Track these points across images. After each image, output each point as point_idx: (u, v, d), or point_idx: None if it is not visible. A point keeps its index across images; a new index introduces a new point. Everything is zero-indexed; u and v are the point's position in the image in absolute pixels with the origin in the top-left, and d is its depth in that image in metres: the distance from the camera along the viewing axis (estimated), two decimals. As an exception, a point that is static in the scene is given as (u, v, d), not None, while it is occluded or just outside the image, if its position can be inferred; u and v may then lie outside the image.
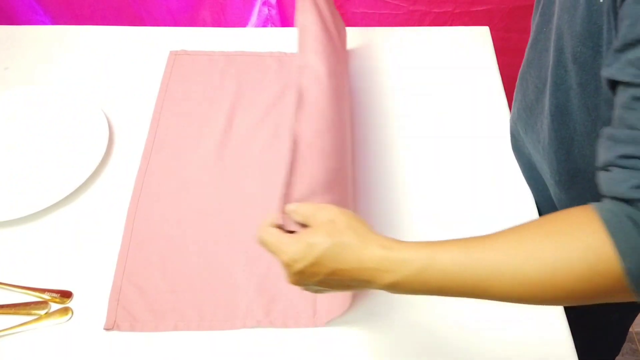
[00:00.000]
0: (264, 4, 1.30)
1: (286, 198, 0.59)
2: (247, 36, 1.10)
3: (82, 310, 0.74)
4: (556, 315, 0.73)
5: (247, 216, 0.82)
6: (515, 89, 0.84)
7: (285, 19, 1.32)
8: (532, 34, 0.76)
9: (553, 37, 0.68)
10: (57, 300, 0.75)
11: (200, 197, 0.85)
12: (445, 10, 1.24)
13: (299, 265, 0.54)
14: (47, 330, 0.72)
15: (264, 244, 0.57)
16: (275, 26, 1.33)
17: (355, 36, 1.08)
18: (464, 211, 0.83)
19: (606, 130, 0.51)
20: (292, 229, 0.57)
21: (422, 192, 0.86)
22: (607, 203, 0.48)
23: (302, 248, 0.54)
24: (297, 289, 0.58)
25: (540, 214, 0.83)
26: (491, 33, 1.09)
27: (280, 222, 0.57)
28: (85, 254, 0.79)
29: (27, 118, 0.96)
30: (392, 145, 0.92)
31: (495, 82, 1.00)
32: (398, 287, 0.53)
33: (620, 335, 0.98)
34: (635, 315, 0.96)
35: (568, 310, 0.75)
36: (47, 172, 0.88)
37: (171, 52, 1.05)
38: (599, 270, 0.46)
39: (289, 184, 0.60)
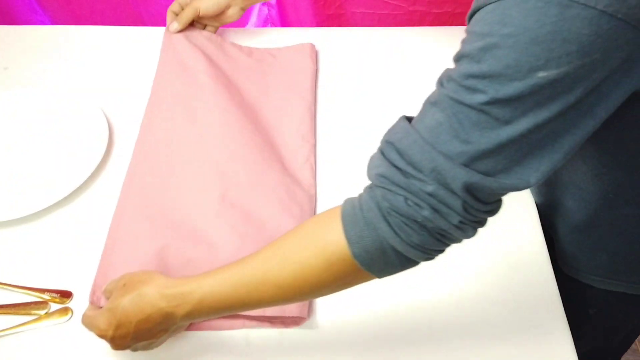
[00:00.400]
0: (263, 4, 1.30)
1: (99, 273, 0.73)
2: (246, 36, 1.10)
3: (82, 310, 0.73)
4: (556, 316, 0.73)
5: (243, 206, 0.81)
6: None
7: (285, 19, 1.32)
8: None
9: None
10: (57, 300, 0.75)
11: (191, 187, 0.84)
12: (445, 10, 1.24)
13: (110, 333, 0.62)
14: (47, 331, 0.72)
15: (83, 325, 0.66)
16: (275, 26, 1.33)
17: (355, 36, 1.08)
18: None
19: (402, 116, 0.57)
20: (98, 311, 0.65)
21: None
22: (355, 196, 0.55)
23: (105, 316, 0.62)
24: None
25: (541, 214, 0.83)
26: (491, 33, 1.08)
27: (96, 303, 0.70)
28: (85, 254, 0.79)
29: (27, 118, 0.96)
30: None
31: (495, 82, 1.00)
32: (193, 315, 0.61)
33: (630, 335, 0.98)
34: None
35: (583, 309, 0.76)
36: (46, 172, 0.88)
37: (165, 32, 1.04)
38: (334, 260, 0.54)
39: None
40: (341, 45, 1.08)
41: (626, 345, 1.01)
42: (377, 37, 1.09)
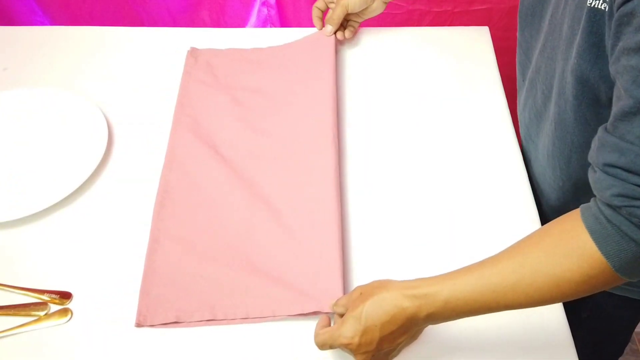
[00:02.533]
0: (263, 4, 1.30)
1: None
2: (246, 36, 1.10)
3: (82, 311, 0.74)
4: (556, 317, 0.72)
5: (275, 206, 0.82)
6: (525, 93, 0.84)
7: (284, 19, 1.33)
8: (541, 40, 0.76)
9: (561, 47, 0.68)
10: (57, 301, 0.74)
11: (230, 189, 0.84)
12: (444, 9, 1.24)
13: (356, 340, 0.61)
14: (46, 332, 0.72)
15: (323, 344, 0.65)
16: (275, 26, 1.33)
17: (355, 36, 1.08)
18: (462, 212, 0.83)
19: (601, 129, 0.56)
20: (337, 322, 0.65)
21: (420, 190, 0.86)
22: (592, 208, 0.56)
23: (350, 324, 0.62)
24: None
25: (541, 213, 0.83)
26: (491, 33, 1.08)
27: (325, 322, 0.68)
28: (84, 255, 0.79)
29: (26, 119, 0.96)
30: (391, 146, 0.92)
31: (495, 81, 1.00)
32: (435, 317, 0.61)
33: (626, 337, 0.98)
34: None
35: (576, 313, 0.76)
36: (46, 173, 0.88)
37: (188, 51, 1.05)
38: (593, 274, 0.55)
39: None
40: (341, 45, 1.07)
41: (620, 349, 1.01)
42: (377, 37, 1.09)
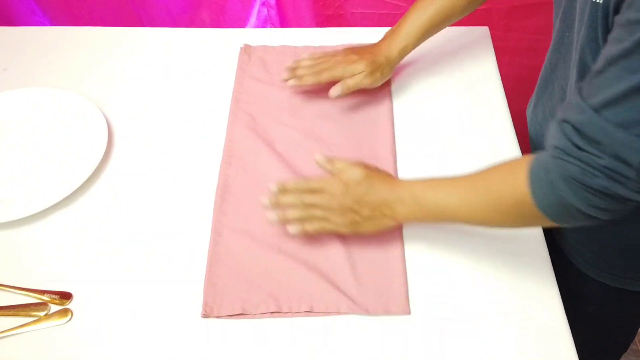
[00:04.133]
0: (263, 4, 1.30)
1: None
2: (246, 37, 1.10)
3: (82, 311, 0.74)
4: (556, 315, 0.72)
5: None
6: (536, 96, 0.84)
7: (284, 19, 1.32)
8: (553, 39, 0.77)
9: (575, 42, 0.68)
10: (57, 301, 0.74)
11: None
12: (444, 10, 1.23)
13: (365, 172, 0.75)
14: (46, 332, 0.72)
15: (335, 167, 0.77)
16: (275, 27, 1.33)
17: (355, 36, 1.08)
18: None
19: (573, 90, 0.60)
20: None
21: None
22: (543, 153, 0.61)
23: (363, 166, 0.76)
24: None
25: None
26: (491, 33, 1.08)
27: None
28: (84, 255, 0.79)
29: (26, 119, 0.96)
30: (392, 145, 0.92)
31: (495, 81, 1.00)
32: (407, 201, 0.72)
33: (631, 332, 0.98)
34: None
35: (581, 308, 0.76)
36: (46, 174, 0.88)
37: (242, 47, 1.06)
38: (520, 201, 0.62)
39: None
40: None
41: (625, 345, 1.01)
42: (377, 37, 1.08)
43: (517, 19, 1.28)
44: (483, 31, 1.09)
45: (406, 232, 0.80)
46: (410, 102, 0.98)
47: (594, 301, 0.86)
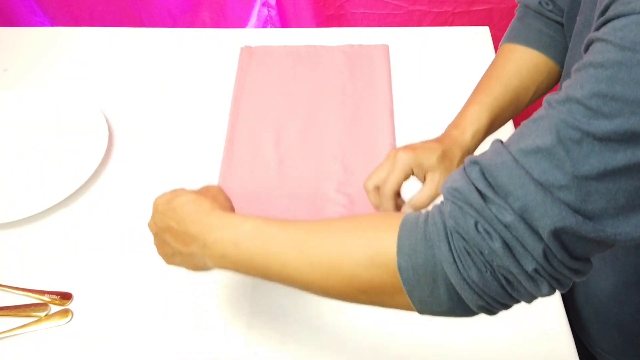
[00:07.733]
0: (263, 4, 1.30)
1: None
2: (246, 37, 1.10)
3: (82, 312, 0.74)
4: (555, 314, 0.72)
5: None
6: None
7: (284, 19, 1.32)
8: (570, 43, 0.74)
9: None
10: (57, 302, 0.74)
11: (292, 182, 0.87)
12: (445, 10, 1.24)
13: (159, 200, 0.61)
14: (47, 332, 0.72)
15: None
16: (275, 27, 1.33)
17: (355, 36, 1.08)
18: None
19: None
20: None
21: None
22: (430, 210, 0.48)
23: (169, 193, 0.61)
24: None
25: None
26: (491, 33, 1.08)
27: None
28: (85, 256, 0.79)
29: (27, 120, 0.96)
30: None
31: (496, 81, 1.00)
32: (218, 247, 0.54)
33: None
34: None
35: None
36: (46, 174, 0.88)
37: (242, 48, 1.06)
38: (377, 262, 0.47)
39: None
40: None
41: None
42: (377, 37, 1.08)
43: (518, 19, 1.28)
44: (483, 31, 1.09)
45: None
46: (410, 102, 0.98)
47: None
